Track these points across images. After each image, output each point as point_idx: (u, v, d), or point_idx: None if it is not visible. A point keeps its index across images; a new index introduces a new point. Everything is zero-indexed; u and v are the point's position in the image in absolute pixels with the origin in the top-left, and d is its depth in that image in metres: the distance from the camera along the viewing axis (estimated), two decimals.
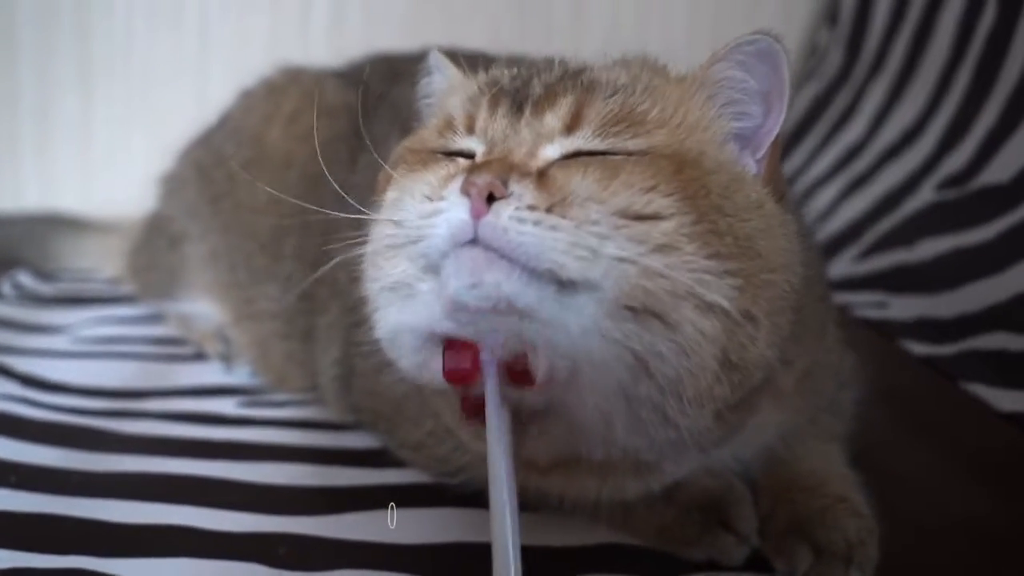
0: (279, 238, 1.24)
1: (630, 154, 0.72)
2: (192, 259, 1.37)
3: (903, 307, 1.48)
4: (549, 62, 0.82)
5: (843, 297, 1.51)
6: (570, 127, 0.73)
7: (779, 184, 0.78)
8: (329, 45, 2.11)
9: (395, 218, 0.72)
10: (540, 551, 0.86)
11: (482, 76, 0.84)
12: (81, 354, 1.36)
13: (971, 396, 1.21)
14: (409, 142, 0.85)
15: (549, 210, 0.65)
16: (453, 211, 0.66)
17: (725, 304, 0.67)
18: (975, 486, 1.01)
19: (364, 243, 0.77)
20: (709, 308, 0.67)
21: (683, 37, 2.20)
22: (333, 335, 1.11)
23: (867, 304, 1.53)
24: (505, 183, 0.66)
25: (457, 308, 0.66)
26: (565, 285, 0.65)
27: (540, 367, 0.67)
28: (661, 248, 0.66)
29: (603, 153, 0.72)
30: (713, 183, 0.70)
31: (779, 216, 0.74)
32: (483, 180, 0.66)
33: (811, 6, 2.27)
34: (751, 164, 0.76)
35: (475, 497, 0.91)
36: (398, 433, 1.00)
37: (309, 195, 1.21)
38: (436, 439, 0.94)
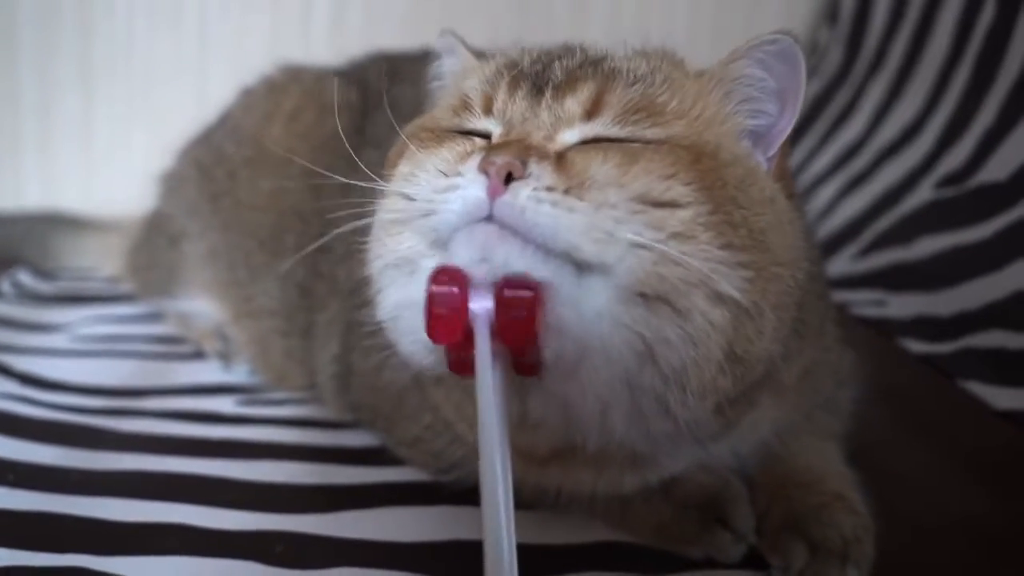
0: (279, 235, 1.24)
1: (648, 143, 0.72)
2: (191, 257, 1.37)
3: (901, 305, 1.48)
4: (569, 48, 0.83)
5: (842, 295, 1.51)
6: (590, 113, 0.74)
7: (788, 183, 0.79)
8: (329, 44, 2.11)
9: (407, 191, 0.72)
10: (537, 549, 0.86)
11: (501, 58, 0.84)
12: (80, 352, 1.36)
13: (969, 394, 1.22)
14: (422, 120, 0.85)
15: (567, 192, 0.65)
16: (470, 188, 0.66)
17: (736, 295, 0.67)
18: (972, 484, 1.01)
19: (363, 216, 0.77)
20: (720, 298, 0.67)
21: (684, 35, 2.20)
22: (332, 332, 1.12)
23: (865, 302, 1.53)
24: (524, 164, 0.66)
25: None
26: (580, 267, 0.65)
27: (554, 351, 0.66)
28: (677, 236, 0.66)
29: (622, 140, 0.72)
30: (729, 175, 0.71)
31: (789, 212, 0.75)
32: (502, 159, 0.66)
33: (811, 4, 2.28)
34: (762, 161, 0.77)
35: (471, 494, 0.91)
36: (396, 430, 1.01)
37: (310, 192, 1.22)
38: (433, 433, 0.94)
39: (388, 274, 0.74)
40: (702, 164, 0.70)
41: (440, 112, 0.85)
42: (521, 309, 0.63)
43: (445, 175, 0.70)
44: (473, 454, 0.88)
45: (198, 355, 1.36)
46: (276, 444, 1.09)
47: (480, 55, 0.89)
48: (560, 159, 0.69)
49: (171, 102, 2.11)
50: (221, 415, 1.17)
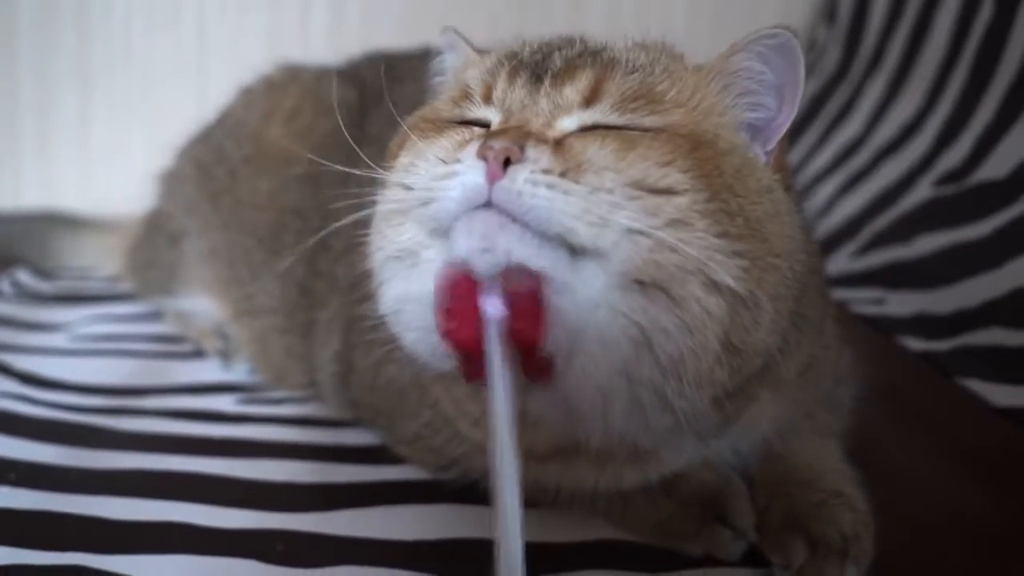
0: (278, 234, 1.24)
1: (647, 130, 0.72)
2: (191, 256, 1.38)
3: (900, 303, 1.48)
4: (569, 39, 0.83)
5: (841, 293, 1.51)
6: (588, 100, 0.74)
7: (786, 176, 0.79)
8: (328, 43, 2.12)
9: (407, 181, 0.72)
10: (539, 547, 0.86)
11: (501, 50, 0.84)
12: (80, 352, 1.36)
13: (968, 392, 1.21)
14: (423, 112, 0.86)
15: (563, 175, 0.66)
16: (468, 174, 0.67)
17: (732, 283, 0.68)
18: (971, 481, 1.01)
19: (363, 208, 0.77)
20: (716, 287, 0.68)
21: (683, 32, 2.19)
22: (332, 329, 1.12)
23: (864, 300, 1.53)
24: (522, 148, 0.67)
25: (454, 264, 0.66)
26: (576, 252, 0.65)
27: (550, 339, 0.66)
28: (674, 222, 0.67)
29: (620, 128, 0.73)
30: (727, 164, 0.71)
31: (787, 204, 0.75)
32: (500, 144, 0.66)
33: (810, 3, 2.28)
34: (761, 155, 0.77)
35: (472, 492, 0.91)
36: (396, 428, 1.01)
37: (309, 191, 1.22)
38: (433, 430, 0.94)
39: (390, 266, 0.74)
40: (700, 152, 0.71)
41: (441, 103, 0.85)
42: (529, 307, 0.64)
43: (444, 162, 0.70)
44: (473, 451, 0.89)
45: (198, 354, 1.36)
46: (276, 443, 1.09)
47: (481, 52, 0.89)
48: (558, 144, 0.69)
49: (170, 101, 2.11)
50: (221, 414, 1.17)
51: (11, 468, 0.99)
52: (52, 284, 1.65)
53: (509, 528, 0.56)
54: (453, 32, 0.89)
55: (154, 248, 1.45)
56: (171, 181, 1.44)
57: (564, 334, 0.67)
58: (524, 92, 0.76)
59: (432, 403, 0.91)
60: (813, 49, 2.20)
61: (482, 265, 0.65)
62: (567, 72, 0.76)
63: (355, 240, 0.80)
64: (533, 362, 0.68)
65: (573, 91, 0.74)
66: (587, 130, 0.72)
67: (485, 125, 0.77)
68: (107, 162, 2.15)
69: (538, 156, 0.66)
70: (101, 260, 1.68)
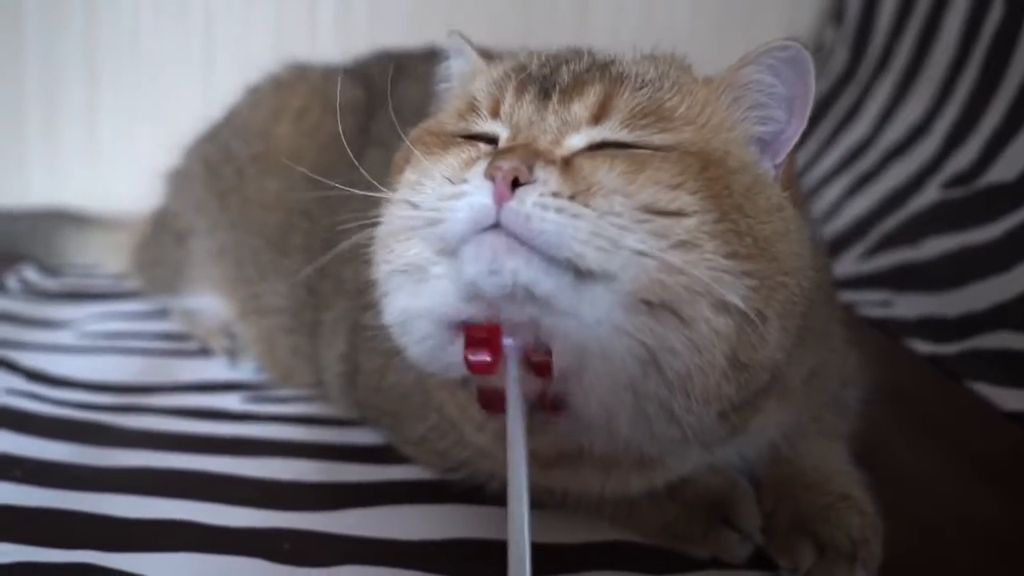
0: (286, 233, 1.24)
1: (656, 149, 0.72)
2: (198, 254, 1.38)
3: (908, 306, 1.48)
4: (577, 52, 0.82)
5: (848, 295, 1.51)
6: (597, 117, 0.73)
7: (794, 191, 0.78)
8: (335, 36, 2.12)
9: (414, 200, 0.72)
10: (544, 548, 0.86)
11: (508, 61, 0.84)
12: (86, 349, 1.36)
13: (976, 395, 1.21)
14: (427, 124, 0.85)
15: (572, 198, 0.65)
16: (476, 195, 0.66)
17: (740, 304, 0.67)
18: (979, 485, 1.01)
19: (371, 225, 0.77)
20: (724, 307, 0.67)
21: (687, 36, 2.20)
22: (339, 330, 1.12)
23: (872, 303, 1.52)
24: (530, 169, 0.66)
25: (474, 294, 0.66)
26: (583, 275, 0.65)
27: (556, 356, 0.68)
28: (682, 244, 0.66)
29: (629, 146, 0.72)
30: (736, 183, 0.71)
31: (796, 221, 0.75)
32: (509, 164, 0.66)
33: (817, 4, 2.27)
34: (770, 169, 0.77)
35: (477, 493, 0.91)
36: (402, 429, 1.01)
37: (316, 189, 1.22)
38: (439, 433, 0.94)
39: (395, 279, 0.74)
40: (709, 172, 0.70)
41: (446, 116, 0.85)
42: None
43: (451, 182, 0.70)
44: (477, 455, 0.89)
45: (204, 352, 1.37)
46: (283, 441, 1.09)
47: (487, 55, 0.88)
48: (567, 164, 0.69)
49: (177, 94, 2.12)
50: (228, 412, 1.17)
51: (17, 465, 1.00)
52: (58, 281, 1.65)
53: (517, 537, 0.57)
54: (459, 36, 0.89)
55: (161, 246, 1.45)
56: (179, 180, 1.44)
57: (570, 354, 0.67)
58: (532, 108, 0.75)
59: (437, 407, 0.91)
60: (821, 50, 2.20)
61: (489, 287, 0.65)
62: (575, 88, 0.75)
63: (363, 243, 0.80)
64: (546, 396, 0.70)
65: (581, 107, 0.74)
66: (595, 148, 0.72)
67: (492, 140, 0.76)
68: (113, 155, 2.16)
69: (547, 178, 0.66)
70: (107, 257, 1.68)
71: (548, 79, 0.77)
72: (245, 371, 1.30)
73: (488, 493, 0.92)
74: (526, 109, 0.75)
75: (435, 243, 0.69)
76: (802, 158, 1.98)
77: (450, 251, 0.68)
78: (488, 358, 0.67)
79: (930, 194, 1.63)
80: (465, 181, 0.68)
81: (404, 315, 0.74)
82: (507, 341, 0.67)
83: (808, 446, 0.93)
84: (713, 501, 0.87)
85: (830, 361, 0.92)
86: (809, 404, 0.91)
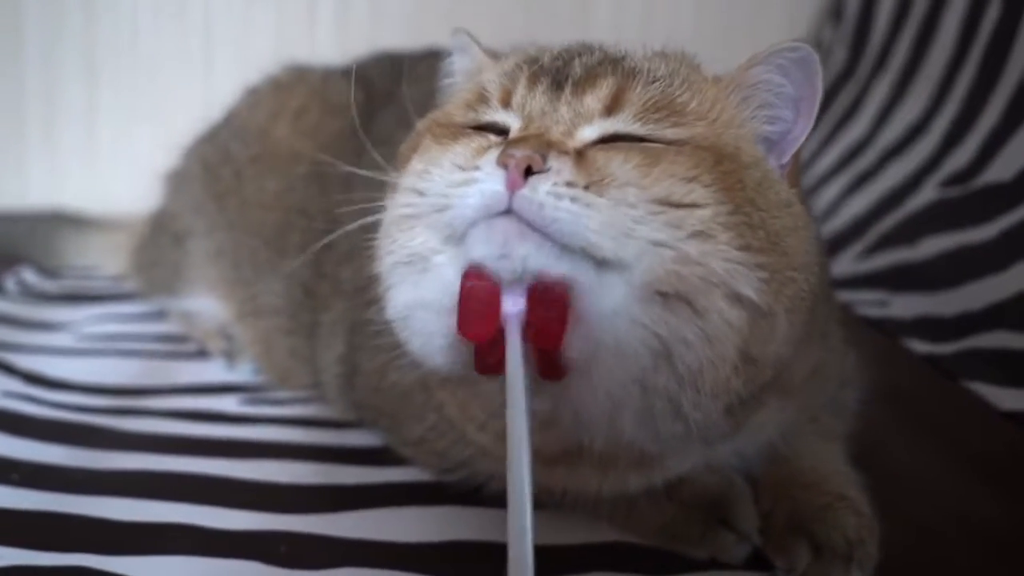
0: (284, 234, 1.24)
1: (669, 143, 0.72)
2: (196, 256, 1.38)
3: (905, 305, 1.48)
4: (588, 47, 0.83)
5: (845, 295, 1.51)
6: (610, 109, 0.74)
7: (799, 190, 0.79)
8: (335, 38, 2.13)
9: (420, 187, 0.72)
10: (543, 549, 0.86)
11: (520, 54, 0.84)
12: (84, 351, 1.36)
13: (972, 395, 1.21)
14: (435, 115, 0.85)
15: (587, 188, 0.65)
16: (488, 182, 0.66)
17: (753, 296, 0.68)
18: (976, 485, 1.01)
19: (376, 211, 0.77)
20: (737, 299, 0.68)
21: (690, 32, 2.20)
22: (337, 331, 1.12)
23: (869, 302, 1.53)
24: (544, 158, 0.66)
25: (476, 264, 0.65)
26: (598, 264, 0.65)
27: (568, 348, 0.66)
28: (697, 235, 0.67)
29: (641, 139, 0.72)
30: (749, 177, 0.72)
31: (804, 217, 0.76)
32: (522, 152, 0.66)
33: (816, 3, 2.28)
34: (776, 168, 0.77)
35: (476, 495, 0.91)
36: (400, 430, 1.01)
37: (315, 191, 1.22)
38: (438, 433, 0.94)
39: (399, 271, 0.74)
40: (723, 166, 0.71)
41: (453, 108, 0.85)
42: (553, 307, 0.64)
43: (461, 169, 0.70)
44: (478, 454, 0.89)
45: (202, 354, 1.37)
46: (280, 444, 1.09)
47: (492, 54, 0.89)
48: (580, 156, 0.69)
49: (176, 95, 2.12)
50: (225, 414, 1.17)
51: (14, 468, 0.99)
52: (57, 283, 1.65)
53: (519, 528, 0.56)
54: (464, 34, 0.89)
55: (159, 248, 1.45)
56: (177, 181, 1.44)
57: (583, 342, 0.67)
58: (544, 99, 0.75)
59: (437, 407, 0.91)
60: (819, 49, 2.20)
61: (498, 269, 0.64)
62: (588, 80, 0.75)
63: (361, 243, 0.80)
64: (548, 360, 0.68)
65: (594, 99, 0.74)
66: (608, 141, 0.72)
67: (502, 130, 0.76)
68: (113, 156, 2.16)
69: (561, 167, 0.66)
70: (106, 259, 1.68)
71: (561, 71, 0.77)
72: (243, 373, 1.30)
73: (486, 495, 0.92)
74: (539, 100, 0.75)
75: (443, 229, 0.69)
76: (802, 156, 1.98)
77: (457, 237, 0.68)
78: (482, 308, 0.65)
79: (927, 193, 1.63)
80: (477, 168, 0.68)
81: (407, 309, 0.74)
82: (507, 303, 0.65)
83: (805, 446, 0.93)
84: (710, 501, 0.87)
85: (829, 361, 0.93)
86: (808, 403, 0.91)
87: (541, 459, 0.81)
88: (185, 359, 1.35)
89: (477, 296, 0.65)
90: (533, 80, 0.77)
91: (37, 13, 2.09)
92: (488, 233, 0.65)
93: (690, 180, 0.68)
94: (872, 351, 1.05)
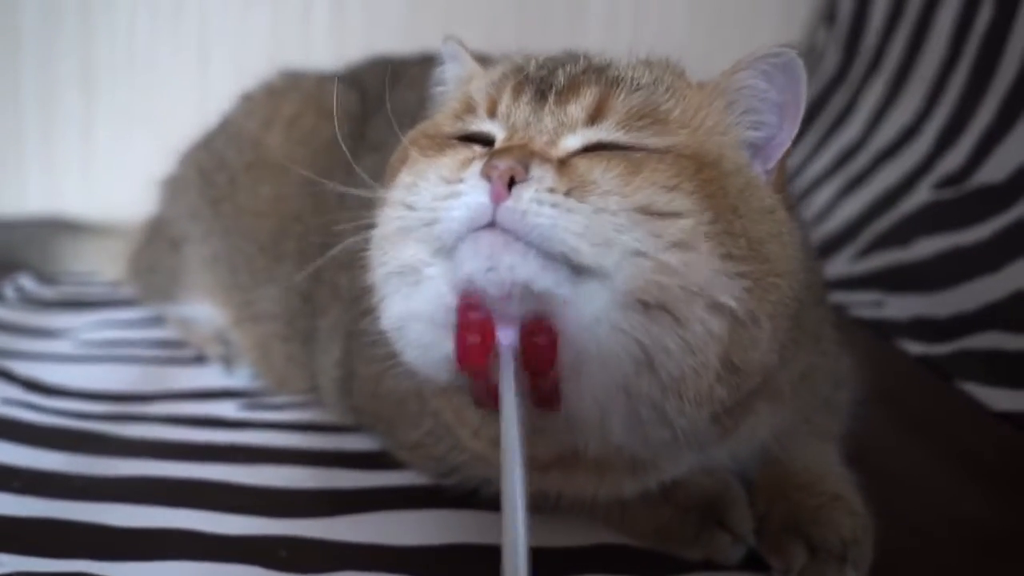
0: (279, 240, 1.25)
1: (651, 151, 0.72)
2: (193, 262, 1.38)
3: (899, 306, 1.48)
4: (573, 55, 0.83)
5: (840, 296, 1.51)
6: (593, 118, 0.74)
7: (786, 195, 0.79)
8: (330, 43, 2.13)
9: (409, 200, 0.72)
10: (538, 552, 0.86)
11: (506, 63, 0.84)
12: (83, 358, 1.37)
13: (967, 395, 1.22)
14: (423, 126, 0.86)
15: (568, 194, 0.66)
16: (472, 194, 0.67)
17: (734, 305, 0.68)
18: (970, 485, 1.02)
19: (369, 227, 0.77)
20: (719, 308, 0.68)
21: (682, 37, 2.21)
22: (334, 337, 1.12)
23: (863, 303, 1.53)
24: (526, 168, 0.67)
25: (470, 291, 0.66)
26: (579, 271, 0.66)
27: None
28: (678, 244, 0.67)
29: (624, 147, 0.73)
30: (731, 185, 0.72)
31: (788, 224, 0.76)
32: (505, 164, 0.66)
33: (809, 5, 2.28)
34: (761, 173, 0.78)
35: (472, 499, 0.92)
36: (397, 434, 1.01)
37: (309, 197, 1.22)
38: (434, 438, 0.94)
39: (391, 282, 0.74)
40: (704, 174, 0.71)
41: (442, 118, 0.85)
42: (543, 335, 0.66)
43: (447, 182, 0.70)
44: (473, 460, 0.89)
45: (200, 360, 1.37)
46: (278, 448, 1.09)
47: (483, 60, 0.89)
48: (563, 164, 0.69)
49: (172, 101, 2.12)
50: (223, 420, 1.17)
51: (15, 476, 1.00)
52: (55, 290, 1.65)
53: (516, 544, 0.57)
54: (455, 42, 0.89)
55: (156, 254, 1.45)
56: (173, 187, 1.44)
57: (567, 351, 0.68)
58: (528, 109, 0.75)
59: (433, 413, 0.91)
60: (813, 51, 2.21)
61: (486, 284, 0.65)
62: (571, 89, 0.76)
63: (357, 250, 0.80)
64: (542, 391, 0.69)
65: (577, 108, 0.74)
66: (591, 149, 0.72)
67: (488, 140, 0.77)
68: (109, 162, 2.16)
69: (543, 175, 0.67)
70: (103, 265, 1.68)
71: (545, 81, 0.78)
72: (241, 378, 1.31)
73: (483, 498, 0.92)
74: (523, 110, 0.76)
75: (431, 243, 0.70)
76: (794, 160, 1.98)
77: (446, 251, 0.68)
78: (478, 339, 0.67)
79: (921, 195, 1.63)
80: (461, 181, 0.68)
81: (400, 320, 0.74)
82: (501, 335, 0.67)
83: (800, 447, 0.94)
84: (706, 503, 0.88)
85: (821, 364, 0.93)
86: (800, 406, 0.91)
87: (537, 465, 0.82)
88: (183, 364, 1.36)
89: (473, 328, 0.66)
90: (518, 90, 0.78)
91: (34, 21, 2.09)
92: (475, 247, 0.66)
93: (672, 189, 0.69)
94: (866, 352, 1.06)
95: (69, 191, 2.15)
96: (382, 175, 0.85)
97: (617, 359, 0.68)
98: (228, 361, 1.33)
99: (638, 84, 0.77)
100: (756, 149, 0.78)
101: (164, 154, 1.46)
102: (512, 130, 0.75)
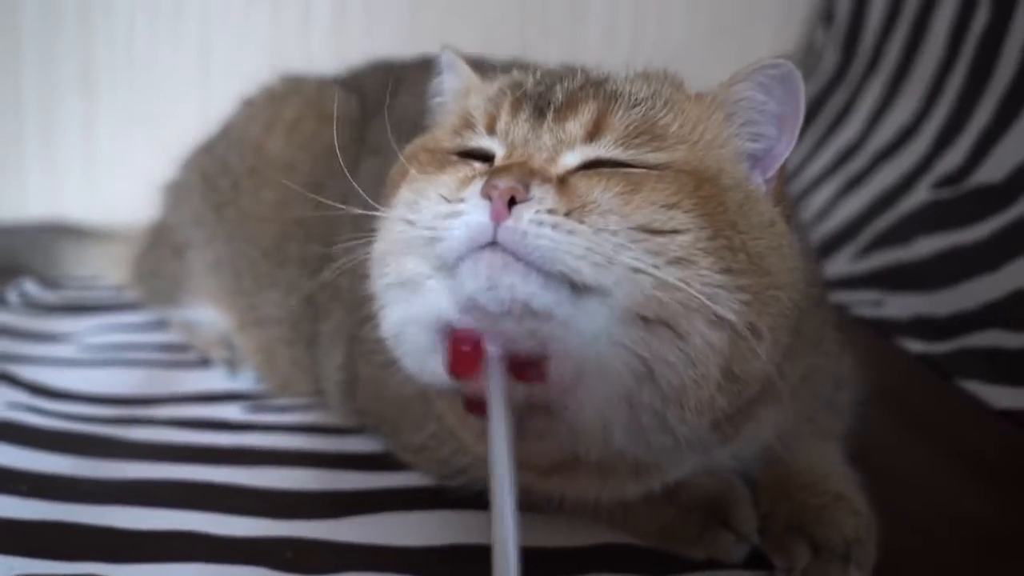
0: (282, 245, 1.25)
1: (650, 167, 0.73)
2: (196, 266, 1.38)
3: (899, 305, 1.49)
4: (571, 70, 0.83)
5: (840, 296, 1.51)
6: (591, 134, 0.74)
7: (786, 206, 0.79)
8: (330, 46, 2.13)
9: (410, 217, 0.72)
10: (540, 552, 0.87)
11: (505, 78, 0.85)
12: (87, 362, 1.37)
13: (967, 394, 1.22)
14: (423, 141, 0.86)
15: (568, 215, 0.66)
16: (473, 214, 0.67)
17: (734, 319, 0.68)
18: (971, 483, 1.02)
19: (368, 242, 0.78)
20: (719, 321, 0.68)
21: (681, 40, 2.21)
22: (337, 340, 1.12)
23: (863, 303, 1.54)
24: (526, 187, 0.67)
25: (472, 308, 0.67)
26: (579, 289, 0.66)
27: (553, 368, 0.68)
28: (677, 261, 0.67)
29: (623, 164, 0.73)
30: (730, 200, 0.72)
31: (787, 236, 0.76)
32: (505, 183, 0.67)
33: (807, 6, 2.28)
34: (760, 184, 0.78)
35: (476, 499, 0.92)
36: (401, 436, 1.02)
37: (311, 201, 1.23)
38: (438, 441, 0.95)
39: (392, 292, 0.75)
40: (704, 190, 0.71)
41: (441, 132, 0.86)
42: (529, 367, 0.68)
43: (448, 201, 0.70)
44: (477, 462, 0.90)
45: (204, 363, 1.37)
46: (283, 451, 1.10)
47: (480, 66, 0.89)
48: (563, 183, 0.70)
49: (173, 105, 2.12)
50: (228, 422, 1.18)
51: (22, 479, 1.00)
52: (58, 294, 1.65)
53: (505, 551, 0.57)
54: (452, 52, 0.90)
55: (159, 259, 1.46)
56: (176, 192, 1.45)
57: (568, 366, 0.68)
58: (527, 126, 0.76)
59: (437, 416, 0.92)
60: (811, 52, 2.21)
61: (488, 303, 0.66)
62: (569, 106, 0.76)
63: (359, 258, 0.81)
64: (520, 369, 0.70)
65: (576, 125, 0.75)
66: (590, 166, 0.73)
67: (487, 156, 0.77)
68: (111, 166, 2.16)
69: (543, 195, 0.67)
70: (106, 269, 1.68)
71: (543, 97, 0.78)
72: (245, 381, 1.31)
73: (487, 499, 0.92)
74: (521, 127, 0.76)
75: (433, 260, 0.70)
76: (793, 160, 1.98)
77: (447, 268, 0.69)
78: (469, 349, 0.68)
79: (920, 195, 1.64)
80: (462, 200, 0.69)
81: (399, 326, 0.75)
82: (490, 348, 0.68)
83: (802, 447, 0.94)
84: (709, 503, 0.88)
85: (822, 365, 0.93)
86: (802, 407, 0.91)
87: (539, 470, 0.82)
88: (187, 368, 1.36)
89: (464, 338, 0.68)
90: (516, 106, 0.78)
91: (34, 24, 2.09)
92: (475, 268, 0.66)
93: (671, 207, 0.69)
94: (867, 351, 1.06)
95: (70, 193, 2.14)
96: (382, 178, 0.86)
97: (618, 372, 0.69)
98: (232, 364, 1.33)
99: (636, 99, 0.77)
100: (755, 160, 0.78)
101: (165, 156, 1.47)
102: (511, 147, 0.75)
